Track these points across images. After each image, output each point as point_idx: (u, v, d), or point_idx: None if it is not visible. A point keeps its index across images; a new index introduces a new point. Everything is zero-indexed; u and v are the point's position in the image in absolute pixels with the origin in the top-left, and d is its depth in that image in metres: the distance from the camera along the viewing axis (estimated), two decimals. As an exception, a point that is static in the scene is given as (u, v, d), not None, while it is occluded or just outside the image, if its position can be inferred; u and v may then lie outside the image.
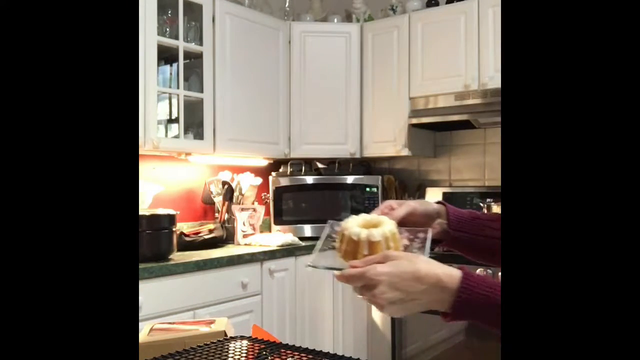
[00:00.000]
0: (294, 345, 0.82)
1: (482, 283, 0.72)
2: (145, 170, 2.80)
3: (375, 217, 0.85)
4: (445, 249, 1.02)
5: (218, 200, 3.03)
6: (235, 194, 3.06)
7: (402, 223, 0.90)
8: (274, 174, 3.27)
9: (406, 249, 0.83)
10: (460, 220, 0.99)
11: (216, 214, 3.06)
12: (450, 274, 0.73)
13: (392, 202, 0.97)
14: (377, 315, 2.87)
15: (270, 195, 3.22)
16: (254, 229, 3.00)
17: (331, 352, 0.78)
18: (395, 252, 0.75)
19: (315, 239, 3.11)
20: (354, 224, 0.82)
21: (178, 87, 2.69)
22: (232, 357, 0.78)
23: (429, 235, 0.86)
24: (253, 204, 3.10)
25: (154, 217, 2.32)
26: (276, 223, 3.18)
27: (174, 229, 2.38)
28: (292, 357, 0.78)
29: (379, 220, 0.83)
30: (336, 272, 0.77)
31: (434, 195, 3.23)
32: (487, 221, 1.02)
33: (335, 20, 3.46)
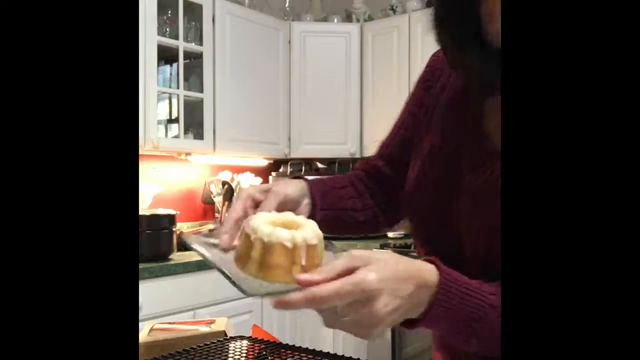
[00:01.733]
0: (294, 345, 0.82)
1: (459, 279, 0.60)
2: (146, 170, 2.80)
3: (282, 216, 0.63)
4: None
5: (218, 200, 3.03)
6: (235, 194, 3.05)
7: None
8: (274, 174, 3.27)
9: None
10: (325, 196, 0.81)
11: (216, 214, 3.06)
12: (427, 267, 0.59)
13: (253, 193, 0.73)
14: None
15: (270, 195, 3.21)
16: (254, 229, 2.99)
17: (331, 352, 0.78)
18: (361, 251, 0.58)
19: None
20: (271, 227, 0.59)
21: (178, 87, 2.69)
22: (232, 357, 0.78)
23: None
24: (253, 204, 3.10)
25: (154, 217, 2.32)
26: (276, 223, 3.17)
27: (174, 229, 2.38)
28: (292, 357, 0.78)
29: (288, 219, 0.63)
30: (290, 297, 0.55)
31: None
32: (339, 190, 0.85)
33: (335, 20, 3.46)
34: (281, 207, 0.73)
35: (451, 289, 0.59)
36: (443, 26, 0.74)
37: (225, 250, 0.65)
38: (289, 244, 0.57)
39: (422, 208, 0.79)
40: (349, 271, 0.55)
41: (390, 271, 0.56)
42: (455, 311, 0.59)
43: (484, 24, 0.68)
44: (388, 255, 0.58)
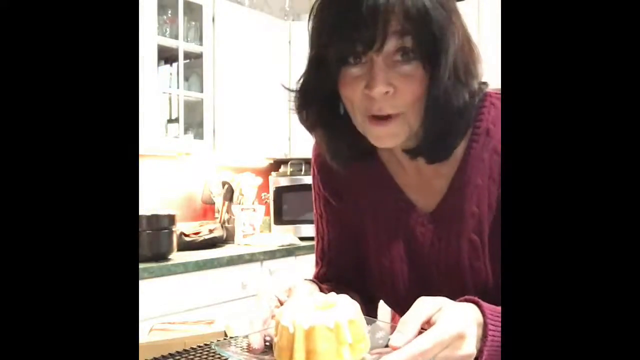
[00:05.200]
0: (294, 346, 0.81)
1: (497, 309, 0.62)
2: (146, 170, 2.80)
3: (314, 300, 0.61)
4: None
5: (218, 200, 3.03)
6: (235, 194, 3.05)
7: None
8: (274, 174, 3.26)
9: None
10: None
11: (216, 214, 3.06)
12: (474, 307, 0.62)
13: (277, 293, 0.72)
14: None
15: (270, 195, 3.21)
16: (254, 229, 3.00)
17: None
18: (428, 299, 0.59)
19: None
20: (307, 313, 0.57)
21: (178, 87, 2.69)
22: (232, 357, 0.78)
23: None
24: (253, 204, 3.10)
25: (154, 217, 2.32)
26: (276, 223, 3.17)
27: (174, 229, 2.38)
28: (292, 357, 0.78)
29: (321, 301, 0.60)
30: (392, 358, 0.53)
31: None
32: None
33: (335, 20, 3.46)
34: None
35: (497, 320, 0.61)
36: (307, 105, 0.82)
37: (257, 351, 0.63)
38: (331, 325, 0.55)
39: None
40: (429, 321, 0.57)
41: (463, 314, 0.59)
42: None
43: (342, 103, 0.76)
44: (445, 299, 0.60)
